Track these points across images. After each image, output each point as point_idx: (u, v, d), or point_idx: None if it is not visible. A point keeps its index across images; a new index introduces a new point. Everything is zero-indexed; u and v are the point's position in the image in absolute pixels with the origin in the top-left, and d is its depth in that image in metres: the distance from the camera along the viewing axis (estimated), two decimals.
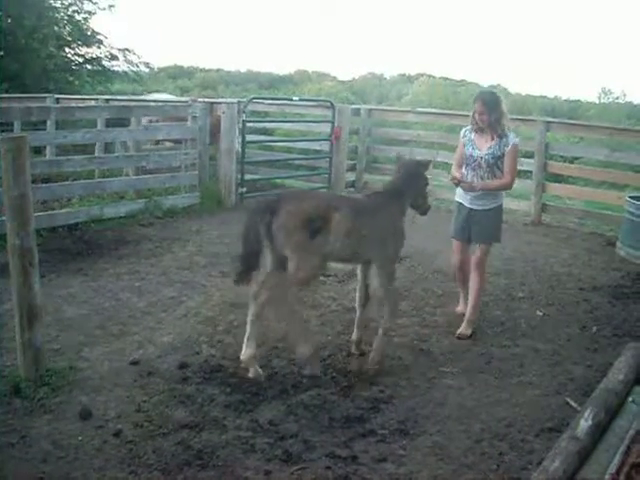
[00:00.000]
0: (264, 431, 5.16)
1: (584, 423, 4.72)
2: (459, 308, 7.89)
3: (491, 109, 7.12)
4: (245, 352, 6.11)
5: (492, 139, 7.21)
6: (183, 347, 6.57)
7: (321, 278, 8.64)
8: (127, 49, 23.47)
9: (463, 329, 7.33)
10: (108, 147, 13.92)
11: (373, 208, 6.39)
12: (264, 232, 5.89)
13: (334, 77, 61.15)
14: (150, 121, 13.59)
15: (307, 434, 5.14)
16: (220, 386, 5.81)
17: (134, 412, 5.34)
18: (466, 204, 7.40)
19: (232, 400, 5.59)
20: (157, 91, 23.81)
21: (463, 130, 7.52)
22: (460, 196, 7.48)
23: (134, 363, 6.16)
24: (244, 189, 13.00)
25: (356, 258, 6.40)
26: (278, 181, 15.33)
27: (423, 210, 7.02)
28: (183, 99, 14.35)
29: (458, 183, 7.32)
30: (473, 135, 7.35)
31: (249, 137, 13.66)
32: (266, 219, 5.88)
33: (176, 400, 5.54)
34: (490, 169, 7.24)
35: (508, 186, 7.36)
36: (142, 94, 22.58)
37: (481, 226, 7.34)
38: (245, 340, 6.14)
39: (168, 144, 13.84)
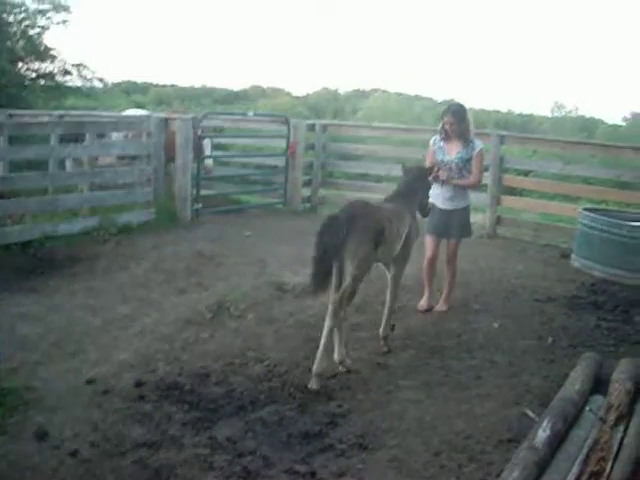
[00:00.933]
0: (222, 448, 5.14)
1: (542, 433, 4.77)
2: (422, 303, 8.42)
3: (460, 120, 8.11)
4: (319, 365, 6.29)
5: (460, 145, 8.17)
6: (139, 365, 6.52)
7: (278, 293, 8.65)
8: (81, 64, 23.26)
9: (440, 306, 8.39)
10: (62, 163, 13.76)
11: (402, 212, 7.17)
12: (339, 246, 6.25)
13: (289, 92, 61.19)
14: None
15: (265, 450, 5.13)
16: (177, 404, 5.78)
17: (91, 431, 5.28)
18: (439, 205, 8.23)
19: (190, 417, 5.56)
20: (115, 107, 23.59)
21: (433, 139, 8.44)
22: (434, 197, 8.13)
23: (90, 382, 6.10)
24: (200, 205, 12.95)
25: (389, 258, 7.09)
26: (234, 197, 15.29)
27: (426, 212, 7.90)
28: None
29: (437, 171, 8.06)
30: (442, 143, 8.28)
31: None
32: (342, 233, 6.24)
33: (133, 418, 5.50)
34: (460, 171, 8.18)
35: (476, 184, 8.48)
36: (95, 109, 22.43)
37: (453, 225, 8.29)
38: (319, 353, 6.33)
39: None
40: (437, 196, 8.20)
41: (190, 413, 5.64)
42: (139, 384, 6.10)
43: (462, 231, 8.40)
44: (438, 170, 8.05)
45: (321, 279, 6.28)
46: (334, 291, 6.34)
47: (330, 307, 6.34)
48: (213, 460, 4.96)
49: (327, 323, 6.34)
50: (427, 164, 8.25)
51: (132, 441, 5.16)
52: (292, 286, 8.75)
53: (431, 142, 8.43)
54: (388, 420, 5.66)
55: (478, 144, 8.24)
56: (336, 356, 6.60)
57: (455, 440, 5.32)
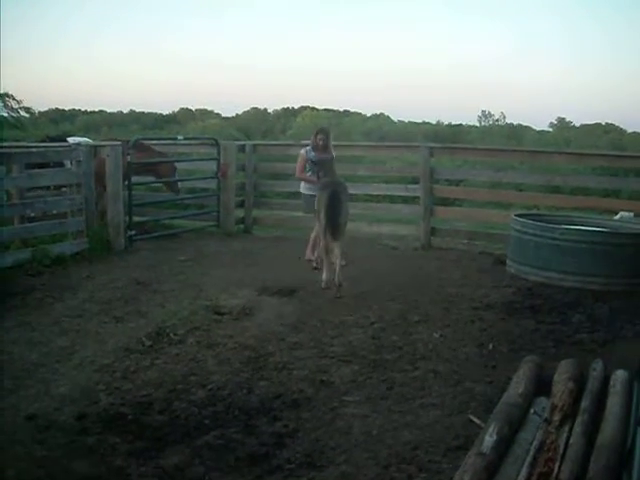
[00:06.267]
0: (170, 477, 5.05)
1: (489, 438, 4.80)
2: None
3: (328, 137, 11.47)
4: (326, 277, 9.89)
5: (323, 153, 11.27)
6: (80, 397, 6.39)
7: (215, 316, 8.60)
8: (6, 94, 22.91)
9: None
10: None
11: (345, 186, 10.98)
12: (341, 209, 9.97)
13: (218, 114, 61.19)
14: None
15: (214, 475, 5.06)
16: (121, 434, 5.67)
17: (34, 468, 5.14)
18: (312, 193, 11.06)
19: (135, 448, 5.46)
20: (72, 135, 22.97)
21: (304, 149, 11.57)
22: (308, 189, 11.41)
23: (30, 418, 5.95)
24: (133, 232, 12.84)
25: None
26: (167, 222, 15.17)
27: None
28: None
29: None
30: (313, 153, 11.36)
31: (135, 179, 13.47)
32: (343, 201, 10.08)
33: (77, 452, 5.36)
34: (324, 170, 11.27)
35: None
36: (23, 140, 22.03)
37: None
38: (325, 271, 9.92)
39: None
40: (310, 188, 11.29)
41: (135, 443, 5.54)
42: (81, 417, 5.96)
43: None
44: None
45: (331, 225, 9.66)
46: (328, 236, 9.75)
47: (329, 245, 9.84)
48: None
49: (327, 254, 9.95)
50: (299, 167, 11.54)
51: (78, 476, 5.04)
52: (229, 309, 8.74)
53: (303, 151, 11.55)
54: (335, 437, 5.64)
55: (333, 154, 11.42)
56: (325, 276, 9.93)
57: (403, 451, 5.34)
